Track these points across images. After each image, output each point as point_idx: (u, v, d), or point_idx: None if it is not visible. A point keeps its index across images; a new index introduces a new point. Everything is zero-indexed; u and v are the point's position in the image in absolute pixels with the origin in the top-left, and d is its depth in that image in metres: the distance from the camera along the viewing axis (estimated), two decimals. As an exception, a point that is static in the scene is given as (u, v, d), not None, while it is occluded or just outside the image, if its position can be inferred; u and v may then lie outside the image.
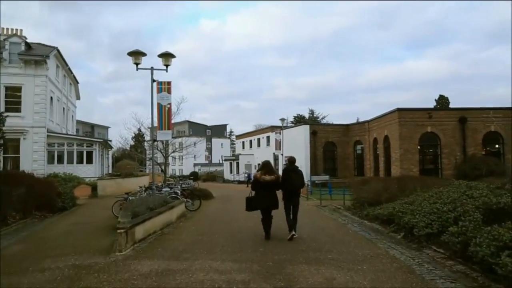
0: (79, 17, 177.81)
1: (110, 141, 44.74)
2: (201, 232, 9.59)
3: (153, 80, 12.76)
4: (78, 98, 44.80)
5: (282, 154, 30.05)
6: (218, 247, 7.66)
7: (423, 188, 10.69)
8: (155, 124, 13.00)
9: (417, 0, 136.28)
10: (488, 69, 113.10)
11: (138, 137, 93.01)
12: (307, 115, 68.17)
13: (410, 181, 11.87)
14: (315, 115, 68.45)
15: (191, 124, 77.50)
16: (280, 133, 31.02)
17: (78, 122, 58.16)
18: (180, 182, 27.73)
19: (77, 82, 42.12)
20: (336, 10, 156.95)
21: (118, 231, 7.02)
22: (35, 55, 27.50)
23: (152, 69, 12.83)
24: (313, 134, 33.01)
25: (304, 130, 33.08)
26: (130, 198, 14.37)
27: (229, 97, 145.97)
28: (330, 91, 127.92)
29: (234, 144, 79.60)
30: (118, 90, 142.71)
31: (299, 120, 60.27)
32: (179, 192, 15.51)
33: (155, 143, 19.44)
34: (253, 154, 47.15)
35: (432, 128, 24.95)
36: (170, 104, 13.17)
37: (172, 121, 22.67)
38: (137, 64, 12.56)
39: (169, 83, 13.16)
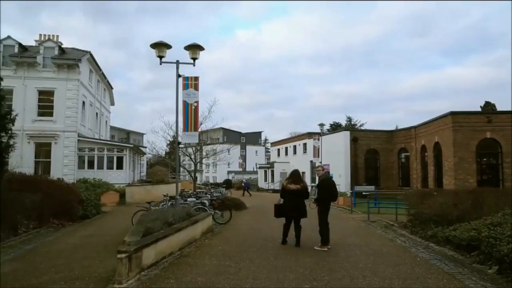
0: (119, 28, 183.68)
1: (145, 147, 44.12)
2: (229, 254, 7.78)
3: (179, 75, 11.24)
4: (112, 103, 44.73)
5: (321, 162, 27.92)
6: (248, 280, 5.85)
7: (507, 204, 8.43)
8: (180, 125, 11.42)
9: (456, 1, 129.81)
10: None
11: (173, 144, 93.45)
12: (343, 123, 65.40)
13: (489, 195, 9.56)
14: (352, 123, 65.53)
15: (225, 131, 76.54)
16: (318, 139, 28.94)
17: (114, 128, 58.58)
18: (212, 190, 26.27)
19: (111, 88, 41.97)
20: (370, 19, 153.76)
21: (118, 256, 5.35)
22: (68, 59, 27.12)
23: (178, 62, 11.33)
24: (353, 141, 30.69)
25: (344, 137, 30.81)
26: (153, 207, 12.92)
27: (263, 105, 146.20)
28: (365, 100, 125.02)
29: (269, 152, 77.87)
30: (156, 99, 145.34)
31: (335, 128, 57.69)
32: (207, 202, 13.87)
33: (182, 146, 18.05)
34: (288, 162, 45.11)
35: (492, 134, 22.10)
36: (197, 102, 11.55)
37: (203, 125, 21.41)
38: (161, 57, 11.12)
39: (196, 78, 11.58)
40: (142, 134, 77.42)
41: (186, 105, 11.45)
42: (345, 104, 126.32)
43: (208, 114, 20.20)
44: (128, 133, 73.66)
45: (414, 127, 28.99)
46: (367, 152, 31.33)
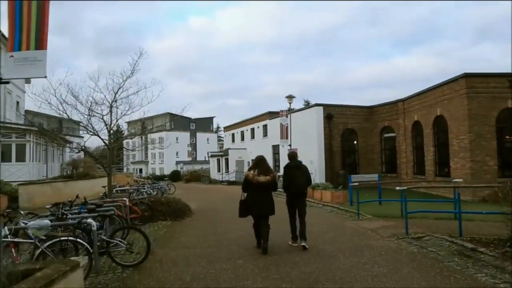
0: (62, 14, 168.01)
1: (81, 136, 35.68)
2: None
3: None
4: (27, 81, 35.68)
5: (290, 145, 21.71)
6: None
7: None
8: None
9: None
10: (475, 65, 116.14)
11: (117, 133, 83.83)
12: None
13: None
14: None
15: (173, 117, 68.53)
16: (287, 116, 22.63)
17: (38, 114, 48.89)
18: (143, 186, 19.33)
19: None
20: (324, 7, 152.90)
21: None
22: None
23: None
24: (327, 118, 24.76)
25: (316, 113, 24.74)
26: (26, 223, 5.85)
27: (216, 95, 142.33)
28: (318, 89, 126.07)
29: (222, 140, 70.95)
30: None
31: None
32: (93, 225, 6.89)
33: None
34: (245, 148, 38.62)
35: (516, 102, 16.95)
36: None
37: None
38: None
39: None
40: (78, 123, 67.74)
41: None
42: (299, 93, 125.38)
43: (133, 71, 13.04)
44: (60, 120, 63.66)
45: (402, 100, 23.55)
46: (344, 132, 25.61)
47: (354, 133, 25.96)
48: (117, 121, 13.22)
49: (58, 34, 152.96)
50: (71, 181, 22.07)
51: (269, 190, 7.19)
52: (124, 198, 10.47)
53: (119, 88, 13.26)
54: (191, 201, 17.04)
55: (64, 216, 6.58)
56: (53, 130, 28.44)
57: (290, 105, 21.88)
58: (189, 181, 45.65)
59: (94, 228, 5.69)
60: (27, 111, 39.13)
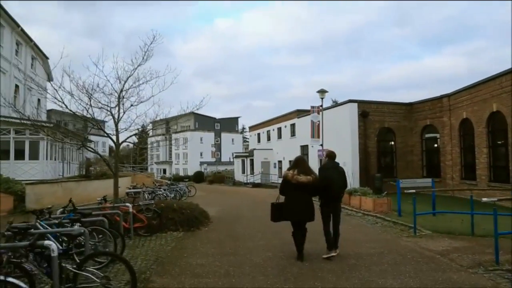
0: (92, 17, 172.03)
1: (107, 135, 34.70)
2: None
3: None
4: (50, 78, 34.95)
5: (321, 145, 19.60)
6: None
7: None
8: None
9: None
10: (507, 66, 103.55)
11: (143, 134, 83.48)
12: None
13: None
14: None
15: (197, 117, 67.39)
16: (318, 113, 20.50)
17: (64, 114, 48.63)
18: (161, 188, 17.82)
19: (47, 58, 32.31)
20: (351, 8, 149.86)
21: None
22: None
23: None
24: (362, 116, 22.48)
25: (350, 110, 22.50)
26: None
27: (242, 96, 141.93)
28: (345, 90, 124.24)
29: (247, 141, 69.15)
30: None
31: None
32: (28, 266, 5.08)
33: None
34: (271, 149, 36.60)
35: None
36: None
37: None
38: None
39: None
40: (103, 122, 67.65)
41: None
42: (327, 94, 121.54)
43: (146, 56, 11.40)
44: (85, 120, 63.66)
45: (448, 95, 20.99)
46: (380, 131, 23.25)
47: (391, 132, 23.55)
48: (124, 113, 11.52)
49: (89, 37, 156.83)
50: (85, 181, 20.75)
51: (309, 193, 6.48)
52: (127, 204, 8.73)
53: (129, 77, 11.65)
54: (211, 205, 15.26)
55: (29, 231, 4.82)
56: (66, 129, 27.28)
57: (322, 101, 19.73)
58: (212, 183, 44.08)
59: (54, 254, 3.87)
60: (53, 111, 38.54)
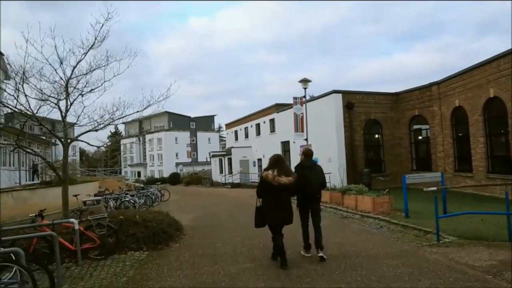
0: (61, 16, 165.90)
1: (81, 139, 32.01)
2: None
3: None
4: (7, 77, 31.97)
5: (306, 140, 17.90)
6: None
7: None
8: None
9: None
10: (478, 60, 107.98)
11: (115, 135, 79.79)
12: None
13: None
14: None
15: (172, 116, 64.84)
16: (302, 105, 18.79)
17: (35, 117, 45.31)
18: (128, 193, 15.83)
19: (2, 54, 29.35)
20: (325, 4, 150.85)
21: None
22: None
23: None
24: (347, 107, 20.97)
25: (334, 102, 20.93)
26: None
27: (218, 95, 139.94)
28: (322, 88, 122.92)
29: (224, 140, 67.06)
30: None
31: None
32: None
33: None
34: (250, 146, 34.79)
35: None
36: None
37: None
38: None
39: None
40: (73, 124, 64.22)
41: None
42: (303, 92, 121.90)
43: (99, 37, 9.33)
44: (53, 123, 60.11)
45: (437, 83, 19.70)
46: (366, 124, 21.81)
47: (377, 124, 22.17)
48: (71, 104, 9.45)
49: (58, 37, 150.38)
50: (43, 189, 18.35)
51: (289, 195, 6.14)
52: (72, 220, 6.71)
53: (78, 62, 9.57)
54: (186, 212, 13.36)
55: None
56: (22, 131, 24.63)
57: (305, 91, 18.03)
58: (189, 184, 41.96)
59: None
60: (15, 113, 35.32)
